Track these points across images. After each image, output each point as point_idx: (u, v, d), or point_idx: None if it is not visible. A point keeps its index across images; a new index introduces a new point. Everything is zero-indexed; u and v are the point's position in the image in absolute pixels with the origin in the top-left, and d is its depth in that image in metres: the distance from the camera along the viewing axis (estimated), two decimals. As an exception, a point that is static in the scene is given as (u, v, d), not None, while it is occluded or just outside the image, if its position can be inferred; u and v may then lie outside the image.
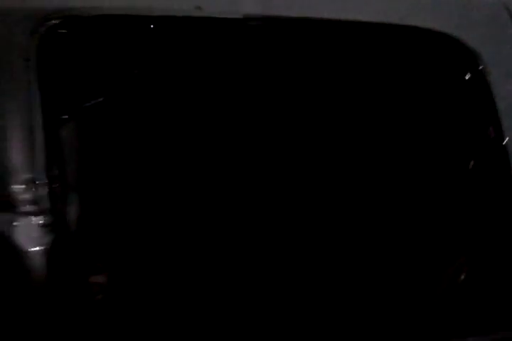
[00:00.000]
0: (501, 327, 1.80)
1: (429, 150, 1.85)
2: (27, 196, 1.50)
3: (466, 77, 1.90)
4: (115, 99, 1.63)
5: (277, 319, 1.65)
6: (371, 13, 1.84)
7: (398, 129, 1.84)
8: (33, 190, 1.50)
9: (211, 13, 1.68)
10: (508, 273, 1.84)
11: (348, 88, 1.80)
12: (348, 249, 1.73)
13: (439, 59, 1.90)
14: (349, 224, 1.74)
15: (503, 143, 1.88)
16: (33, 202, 1.50)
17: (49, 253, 1.49)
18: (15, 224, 1.48)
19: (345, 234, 1.73)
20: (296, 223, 1.70)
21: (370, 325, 1.71)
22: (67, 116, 1.59)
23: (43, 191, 1.50)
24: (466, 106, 1.91)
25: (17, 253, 1.48)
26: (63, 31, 1.59)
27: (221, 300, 1.62)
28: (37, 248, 1.49)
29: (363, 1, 1.86)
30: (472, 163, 1.87)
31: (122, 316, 1.57)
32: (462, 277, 1.82)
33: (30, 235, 1.49)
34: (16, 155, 1.52)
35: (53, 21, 1.58)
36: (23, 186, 1.50)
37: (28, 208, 1.50)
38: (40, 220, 1.49)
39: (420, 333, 1.75)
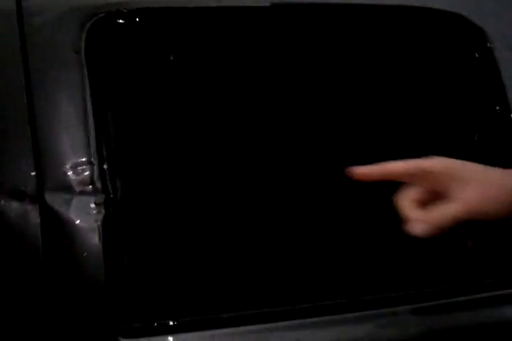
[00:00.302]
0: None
1: (440, 122, 2.02)
2: (82, 177, 1.68)
3: (475, 52, 2.04)
4: (157, 86, 1.78)
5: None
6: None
7: (411, 99, 2.00)
8: (87, 171, 1.68)
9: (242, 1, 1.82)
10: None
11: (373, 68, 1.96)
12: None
13: (452, 35, 2.04)
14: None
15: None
16: (87, 182, 1.68)
17: (101, 228, 1.68)
18: (71, 202, 1.67)
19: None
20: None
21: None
22: (115, 104, 1.74)
23: (96, 173, 1.68)
24: (476, 78, 2.05)
25: (73, 229, 1.67)
26: (108, 24, 1.74)
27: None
28: (90, 224, 1.67)
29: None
30: (481, 135, 2.02)
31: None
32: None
33: (85, 212, 1.67)
34: (72, 141, 1.68)
35: (99, 15, 1.72)
36: (78, 168, 1.68)
37: (83, 188, 1.68)
38: (93, 199, 1.68)
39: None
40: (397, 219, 1.54)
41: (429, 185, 1.44)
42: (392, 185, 1.62)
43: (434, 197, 1.44)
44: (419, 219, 1.41)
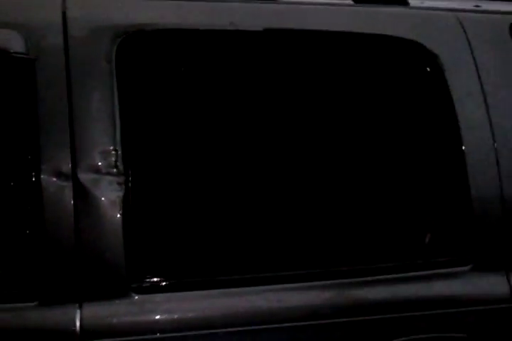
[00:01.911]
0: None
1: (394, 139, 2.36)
2: (108, 161, 2.07)
3: (428, 73, 2.41)
4: (172, 90, 2.19)
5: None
6: (360, 25, 2.40)
7: (375, 110, 2.37)
8: (112, 157, 2.08)
9: (239, 26, 2.25)
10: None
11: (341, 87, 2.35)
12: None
13: (408, 60, 2.42)
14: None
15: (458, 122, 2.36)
16: (112, 166, 2.08)
17: (121, 203, 2.07)
18: (99, 182, 2.06)
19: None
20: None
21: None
22: (137, 103, 2.15)
23: (119, 158, 2.08)
24: (428, 95, 2.40)
25: (100, 203, 2.07)
26: (134, 41, 2.16)
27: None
28: (114, 199, 2.07)
29: (354, 16, 2.43)
30: (430, 140, 2.38)
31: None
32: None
33: (109, 190, 2.06)
34: (101, 132, 2.09)
35: (128, 33, 2.14)
36: (105, 154, 2.07)
37: (108, 170, 2.07)
38: (116, 179, 2.07)
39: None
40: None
41: None
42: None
43: None
44: None
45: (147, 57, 2.19)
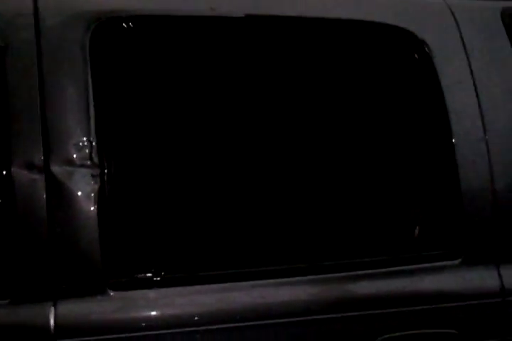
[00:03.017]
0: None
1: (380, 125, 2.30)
2: (82, 153, 2.00)
3: (416, 60, 2.35)
4: (145, 79, 2.12)
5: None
6: (348, 12, 2.34)
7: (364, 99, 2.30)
8: (87, 148, 2.00)
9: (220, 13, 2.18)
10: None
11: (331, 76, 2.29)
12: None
13: (397, 46, 2.36)
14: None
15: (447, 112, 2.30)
16: (86, 158, 2.00)
17: (97, 196, 2.00)
18: (73, 174, 1.99)
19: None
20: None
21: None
22: (112, 92, 2.07)
23: (94, 150, 2.01)
24: (416, 82, 2.34)
25: (74, 196, 1.99)
26: (108, 27, 2.08)
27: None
28: (88, 192, 1.99)
29: (342, 3, 2.36)
30: (419, 131, 2.31)
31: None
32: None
33: (84, 183, 1.99)
34: (75, 122, 2.01)
35: (101, 20, 2.07)
36: (79, 145, 2.00)
37: (83, 162, 2.00)
38: (91, 172, 2.00)
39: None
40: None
41: None
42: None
43: None
44: None
45: (122, 44, 2.11)
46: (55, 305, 1.96)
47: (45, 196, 1.96)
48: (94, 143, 2.01)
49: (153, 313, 2.01)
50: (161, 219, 2.09)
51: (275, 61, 2.24)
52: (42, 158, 1.98)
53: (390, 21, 2.35)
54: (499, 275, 2.28)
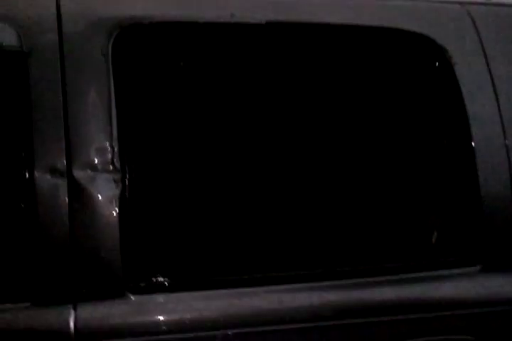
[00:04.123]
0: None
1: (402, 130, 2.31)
2: (104, 158, 2.02)
3: (437, 67, 2.35)
4: (170, 85, 2.13)
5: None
6: (368, 18, 2.34)
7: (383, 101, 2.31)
8: (109, 154, 2.02)
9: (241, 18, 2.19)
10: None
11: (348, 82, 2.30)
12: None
13: (418, 53, 2.36)
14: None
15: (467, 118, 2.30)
16: (108, 162, 2.02)
17: (118, 200, 2.02)
18: (95, 179, 2.01)
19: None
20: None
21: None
22: (134, 99, 2.09)
23: (116, 155, 2.02)
24: (437, 89, 2.35)
25: (95, 200, 2.01)
26: (131, 34, 2.09)
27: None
28: (110, 196, 2.01)
29: (363, 9, 2.36)
30: (440, 136, 2.32)
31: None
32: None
33: (106, 187, 2.01)
34: (97, 128, 2.03)
35: (124, 26, 2.08)
36: (102, 151, 2.02)
37: (105, 167, 2.02)
38: (113, 177, 2.02)
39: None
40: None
41: None
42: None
43: None
44: None
45: (144, 51, 2.12)
46: (75, 309, 1.98)
47: (67, 200, 1.98)
48: (116, 148, 2.02)
49: (172, 317, 2.03)
50: (181, 224, 2.10)
51: (296, 68, 2.25)
52: (64, 162, 2.00)
53: (411, 28, 2.36)
54: (518, 282, 2.27)
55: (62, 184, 1.99)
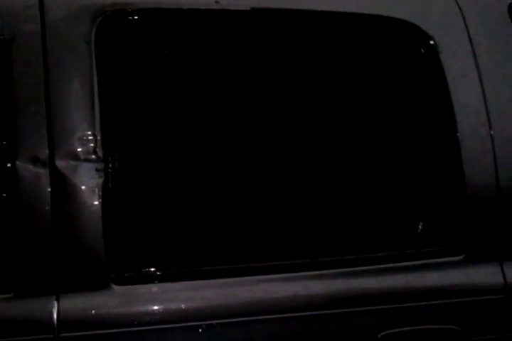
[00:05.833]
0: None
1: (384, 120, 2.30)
2: (86, 147, 2.00)
3: (422, 53, 2.33)
4: (154, 74, 2.11)
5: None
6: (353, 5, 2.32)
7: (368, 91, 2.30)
8: (91, 143, 2.00)
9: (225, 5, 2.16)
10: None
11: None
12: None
13: (402, 40, 2.34)
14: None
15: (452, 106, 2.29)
16: (91, 152, 2.00)
17: (100, 190, 1.99)
18: (78, 168, 1.99)
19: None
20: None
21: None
22: (117, 87, 2.06)
23: (98, 144, 2.00)
24: (421, 76, 2.33)
25: (78, 190, 1.99)
26: (114, 20, 2.06)
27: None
28: (92, 186, 1.99)
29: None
30: (424, 125, 2.31)
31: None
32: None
33: (88, 177, 1.99)
34: (80, 116, 2.00)
35: (107, 13, 2.05)
36: (84, 140, 1.99)
37: (87, 156, 1.99)
38: (95, 166, 1.99)
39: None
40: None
41: None
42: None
43: None
44: None
45: (128, 38, 2.09)
46: (57, 299, 1.96)
47: (49, 190, 1.96)
48: (98, 138, 2.00)
49: (156, 308, 2.01)
50: (165, 214, 2.08)
51: (281, 55, 2.23)
52: (46, 152, 1.97)
53: (396, 15, 2.33)
54: (502, 271, 2.28)
55: (45, 173, 1.96)
